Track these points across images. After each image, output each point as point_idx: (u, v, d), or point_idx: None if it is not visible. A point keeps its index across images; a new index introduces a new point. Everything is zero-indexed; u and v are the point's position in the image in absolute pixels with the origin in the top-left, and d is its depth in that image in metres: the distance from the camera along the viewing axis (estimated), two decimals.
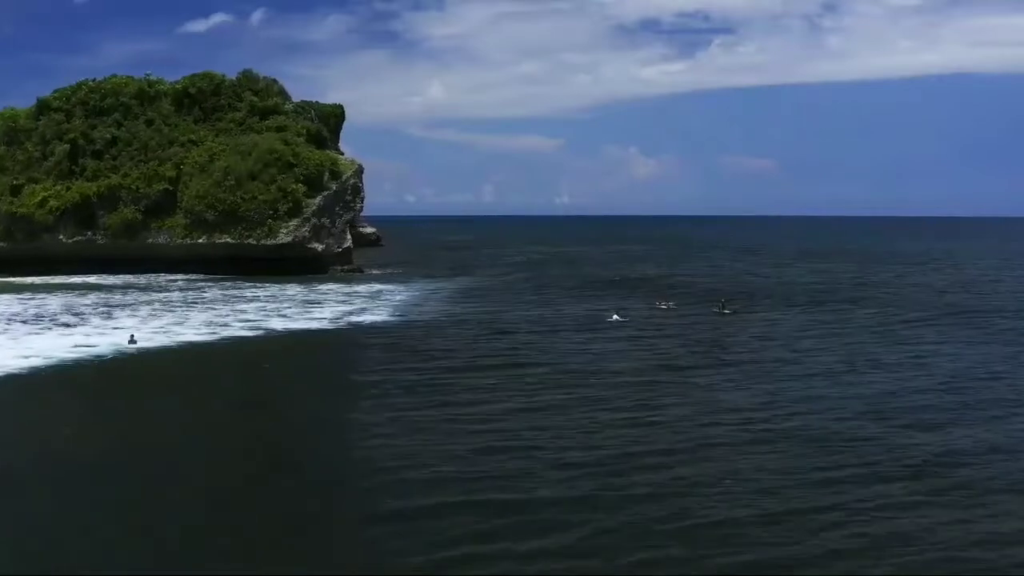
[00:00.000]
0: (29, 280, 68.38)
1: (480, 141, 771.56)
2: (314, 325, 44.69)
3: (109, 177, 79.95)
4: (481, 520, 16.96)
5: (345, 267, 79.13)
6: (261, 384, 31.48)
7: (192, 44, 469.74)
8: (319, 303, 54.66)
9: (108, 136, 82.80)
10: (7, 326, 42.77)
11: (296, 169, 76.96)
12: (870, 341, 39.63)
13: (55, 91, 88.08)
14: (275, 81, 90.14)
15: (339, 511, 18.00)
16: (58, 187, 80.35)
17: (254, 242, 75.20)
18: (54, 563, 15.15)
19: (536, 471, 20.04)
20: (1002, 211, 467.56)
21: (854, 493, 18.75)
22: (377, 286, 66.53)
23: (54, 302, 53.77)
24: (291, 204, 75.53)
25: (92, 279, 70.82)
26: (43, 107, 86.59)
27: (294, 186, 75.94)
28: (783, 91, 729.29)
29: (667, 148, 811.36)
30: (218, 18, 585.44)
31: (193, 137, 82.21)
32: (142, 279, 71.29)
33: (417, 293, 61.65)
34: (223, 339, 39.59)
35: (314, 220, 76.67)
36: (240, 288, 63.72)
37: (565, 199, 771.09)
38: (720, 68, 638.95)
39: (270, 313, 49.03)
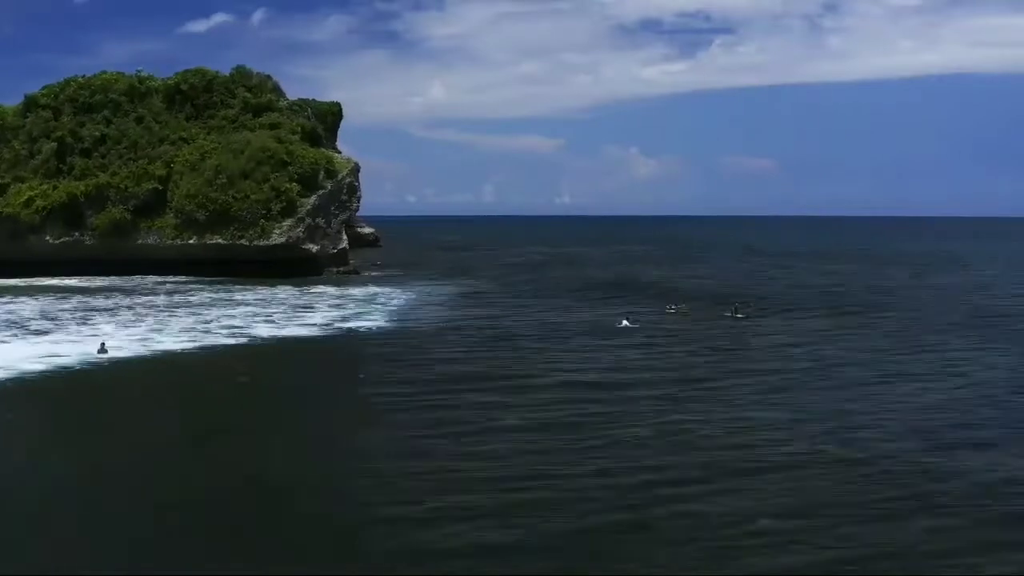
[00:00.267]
0: (11, 283, 65.65)
1: (480, 141, 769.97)
2: (302, 332, 41.99)
3: (97, 176, 77.54)
4: (485, 565, 14.57)
5: (341, 269, 76.66)
6: (236, 400, 28.29)
7: (192, 44, 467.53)
8: (311, 307, 52.05)
9: (97, 134, 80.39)
10: None
11: (290, 167, 74.49)
12: (895, 348, 37.40)
13: (43, 87, 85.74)
14: (269, 77, 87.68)
15: (316, 556, 15.34)
16: (45, 186, 78.00)
17: (246, 243, 72.69)
18: None
19: (545, 505, 17.49)
20: (1003, 211, 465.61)
21: (912, 531, 16.30)
22: (373, 289, 64.05)
23: (31, 306, 51.16)
24: (285, 204, 72.99)
25: (76, 282, 68.21)
26: (31, 104, 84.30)
27: (288, 185, 73.40)
28: (783, 91, 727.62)
29: (667, 148, 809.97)
30: (218, 18, 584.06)
31: (184, 135, 79.73)
32: (130, 281, 68.71)
33: (414, 296, 59.11)
34: (202, 348, 36.83)
35: (308, 220, 74.11)
36: (230, 291, 61.18)
37: (565, 199, 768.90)
38: (721, 68, 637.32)
39: (257, 318, 46.34)
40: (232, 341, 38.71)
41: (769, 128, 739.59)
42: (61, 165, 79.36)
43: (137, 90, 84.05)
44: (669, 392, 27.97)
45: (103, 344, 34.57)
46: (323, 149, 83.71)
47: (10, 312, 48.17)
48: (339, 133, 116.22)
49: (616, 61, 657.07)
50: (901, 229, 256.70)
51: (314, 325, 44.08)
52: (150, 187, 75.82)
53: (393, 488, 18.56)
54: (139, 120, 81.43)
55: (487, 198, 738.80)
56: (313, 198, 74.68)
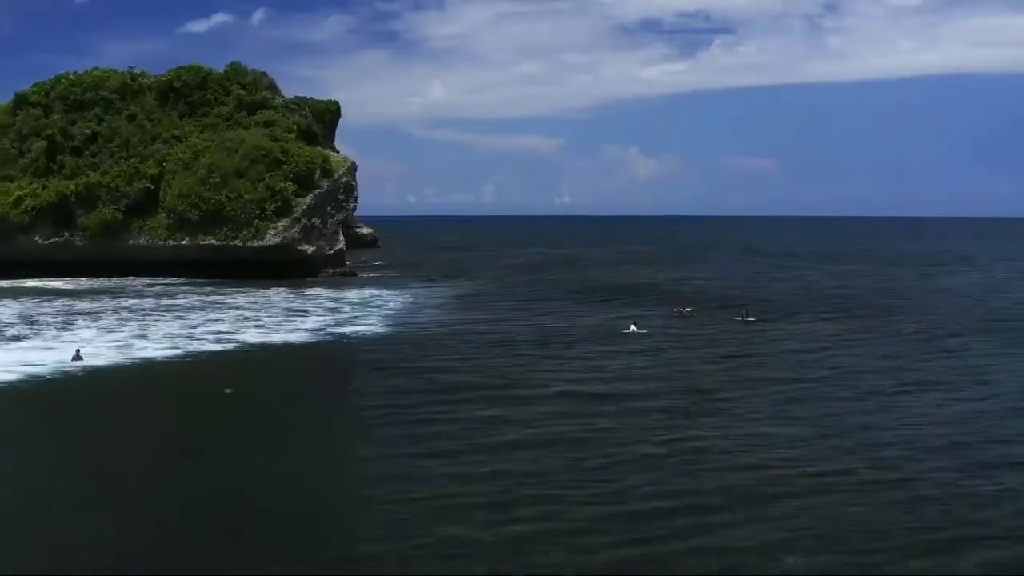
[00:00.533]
0: None
1: (480, 141, 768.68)
2: (293, 338, 40.08)
3: (88, 175, 75.80)
4: None
5: (337, 270, 74.95)
6: (215, 415, 26.19)
7: (192, 44, 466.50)
8: (304, 311, 50.21)
9: (88, 132, 78.65)
10: None
11: (285, 166, 72.69)
12: (912, 354, 35.91)
13: (34, 85, 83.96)
14: (264, 74, 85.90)
15: None
16: (34, 185, 76.34)
17: (240, 244, 70.93)
18: None
19: (547, 538, 15.74)
20: (1003, 211, 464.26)
21: (964, 568, 14.64)
22: (369, 291, 62.30)
23: (11, 310, 49.31)
24: (279, 203, 71.16)
25: (63, 284, 66.43)
26: (21, 101, 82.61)
27: (283, 184, 71.59)
28: (783, 91, 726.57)
29: (667, 148, 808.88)
30: (219, 18, 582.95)
31: (177, 133, 77.99)
32: (119, 284, 66.90)
33: (411, 299, 57.33)
34: (185, 355, 34.84)
35: (304, 220, 72.31)
36: (222, 294, 59.36)
37: (566, 199, 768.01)
38: (721, 68, 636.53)
39: (247, 323, 44.45)
40: (218, 348, 36.78)
41: (769, 128, 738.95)
42: (51, 164, 77.62)
43: (130, 87, 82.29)
44: (680, 404, 26.20)
45: (78, 351, 32.69)
46: (319, 148, 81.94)
47: None
48: (338, 132, 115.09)
49: (616, 61, 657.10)
50: (901, 229, 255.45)
51: (306, 330, 42.19)
52: (142, 186, 74.05)
53: (379, 518, 16.77)
54: (131, 118, 79.66)
55: (487, 198, 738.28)
56: (309, 198, 72.86)
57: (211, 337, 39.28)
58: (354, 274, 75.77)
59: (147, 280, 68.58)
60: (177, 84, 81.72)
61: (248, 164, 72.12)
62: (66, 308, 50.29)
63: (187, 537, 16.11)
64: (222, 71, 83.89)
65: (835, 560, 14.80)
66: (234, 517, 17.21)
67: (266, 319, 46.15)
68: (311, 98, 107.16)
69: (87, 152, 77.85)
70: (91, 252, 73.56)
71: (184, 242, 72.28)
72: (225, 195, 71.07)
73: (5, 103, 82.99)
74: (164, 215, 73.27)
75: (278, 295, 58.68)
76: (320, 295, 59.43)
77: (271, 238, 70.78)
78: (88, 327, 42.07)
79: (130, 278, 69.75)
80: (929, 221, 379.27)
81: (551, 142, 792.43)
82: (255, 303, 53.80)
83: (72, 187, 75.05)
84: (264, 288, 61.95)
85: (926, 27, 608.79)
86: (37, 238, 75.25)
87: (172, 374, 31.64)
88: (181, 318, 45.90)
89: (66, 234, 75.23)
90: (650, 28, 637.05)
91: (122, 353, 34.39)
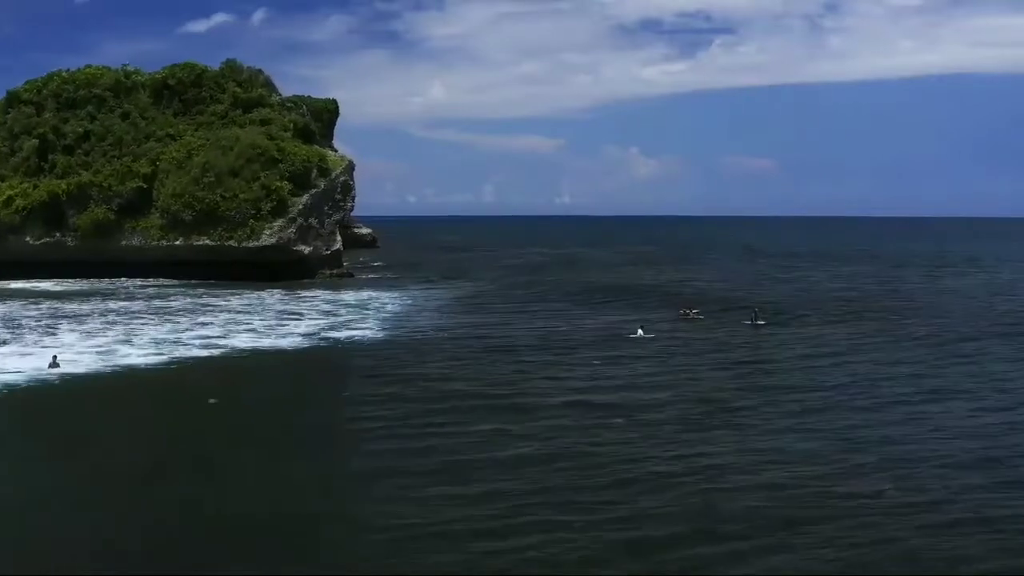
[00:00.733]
0: None
1: (480, 141, 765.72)
2: (285, 343, 38.52)
3: (80, 174, 74.47)
4: None
5: (334, 271, 73.46)
6: (200, 428, 24.54)
7: (192, 44, 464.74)
8: (298, 314, 48.68)
9: (80, 130, 77.36)
10: None
11: (281, 165, 71.22)
12: (930, 360, 34.58)
13: (26, 82, 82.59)
14: (260, 72, 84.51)
15: None
16: (25, 185, 75.15)
17: (235, 244, 69.38)
18: None
19: (555, 565, 14.33)
20: (1003, 211, 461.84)
21: None
22: (366, 293, 60.82)
23: None
24: (275, 203, 69.68)
25: (52, 285, 64.98)
26: (12, 99, 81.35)
27: (279, 184, 70.11)
28: (783, 91, 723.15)
29: (667, 148, 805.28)
30: (219, 18, 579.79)
31: (171, 131, 76.53)
32: (112, 285, 65.42)
33: (409, 301, 55.85)
34: (171, 361, 33.25)
35: (300, 220, 70.81)
36: (215, 295, 57.86)
37: (566, 199, 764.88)
38: (721, 68, 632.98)
39: (238, 327, 42.88)
40: (205, 354, 35.18)
41: (769, 128, 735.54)
42: (43, 163, 76.38)
43: (123, 85, 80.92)
44: (692, 415, 24.74)
45: (55, 357, 31.10)
46: (316, 147, 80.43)
47: None
48: (337, 132, 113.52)
49: (616, 61, 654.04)
50: (901, 229, 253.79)
51: (299, 335, 40.59)
52: (135, 186, 72.69)
53: (363, 549, 15.33)
54: (125, 116, 78.30)
55: (487, 198, 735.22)
56: (305, 197, 71.39)
57: (199, 342, 37.67)
58: (352, 275, 74.30)
59: (139, 281, 67.18)
60: (171, 82, 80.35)
61: (243, 163, 70.63)
62: (51, 311, 48.75)
63: (150, 555, 14.64)
64: (217, 68, 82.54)
65: None
66: (204, 542, 15.72)
67: (258, 323, 44.59)
68: (309, 96, 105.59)
69: (79, 151, 76.52)
70: (83, 253, 72.21)
71: (178, 242, 70.81)
72: (220, 194, 69.59)
73: None
74: (157, 215, 71.85)
75: (272, 297, 57.22)
76: (316, 297, 57.96)
77: (266, 238, 69.27)
78: (72, 331, 40.53)
79: (122, 279, 68.40)
80: (929, 221, 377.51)
81: (551, 142, 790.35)
82: (248, 305, 52.28)
83: (64, 186, 73.72)
84: (259, 290, 60.48)
85: (926, 27, 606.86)
86: (28, 238, 74.02)
87: (154, 382, 30.02)
88: (170, 321, 44.34)
89: (57, 234, 73.97)
90: (650, 28, 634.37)
91: (103, 360, 32.74)
